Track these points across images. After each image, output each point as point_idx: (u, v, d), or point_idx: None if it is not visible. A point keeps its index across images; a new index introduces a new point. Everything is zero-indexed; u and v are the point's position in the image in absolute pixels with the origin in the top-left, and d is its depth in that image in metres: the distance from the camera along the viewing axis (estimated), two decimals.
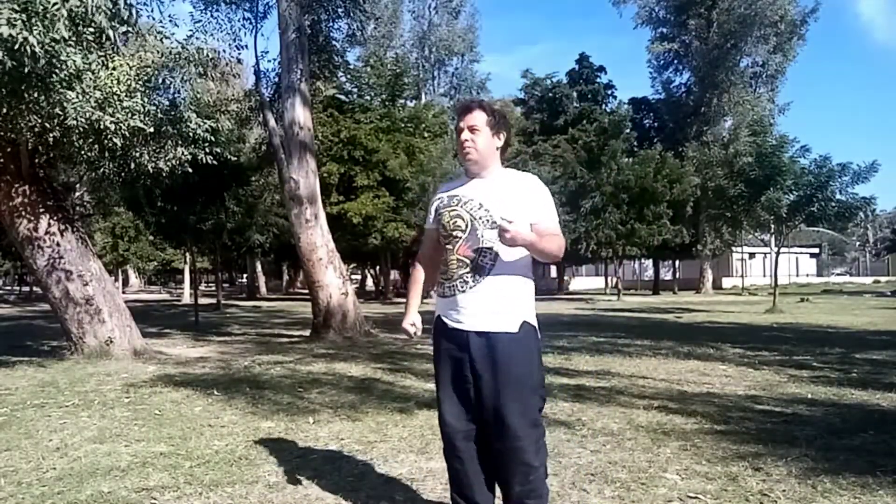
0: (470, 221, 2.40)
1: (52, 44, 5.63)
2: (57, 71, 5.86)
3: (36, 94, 6.15)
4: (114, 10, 6.37)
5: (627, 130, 30.04)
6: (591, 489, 3.12)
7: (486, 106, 2.49)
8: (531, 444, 2.34)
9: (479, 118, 2.43)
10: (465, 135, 2.44)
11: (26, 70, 5.63)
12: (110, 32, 6.33)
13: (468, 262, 2.38)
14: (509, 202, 2.37)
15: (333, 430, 4.32)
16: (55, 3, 5.65)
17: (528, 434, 2.33)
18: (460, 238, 2.41)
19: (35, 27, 5.51)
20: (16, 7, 5.47)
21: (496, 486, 2.50)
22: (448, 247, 2.45)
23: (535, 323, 2.42)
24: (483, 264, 2.36)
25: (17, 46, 5.37)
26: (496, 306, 2.35)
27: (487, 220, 2.36)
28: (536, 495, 2.40)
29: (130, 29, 6.95)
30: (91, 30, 6.19)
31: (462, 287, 2.38)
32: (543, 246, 2.31)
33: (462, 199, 2.45)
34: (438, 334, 2.49)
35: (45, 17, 5.59)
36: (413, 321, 2.58)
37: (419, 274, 2.67)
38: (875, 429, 4.17)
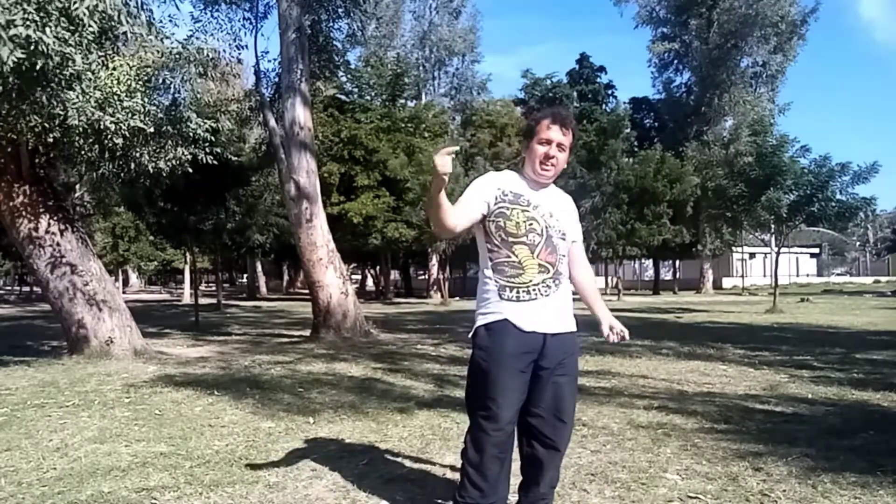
0: (545, 228, 2.44)
1: (63, 43, 5.64)
2: (62, 71, 5.86)
3: (38, 94, 6.15)
4: (127, 10, 6.39)
5: (627, 130, 30.02)
6: (592, 489, 3.12)
7: (575, 127, 2.51)
8: (571, 432, 2.57)
9: (568, 139, 2.47)
10: (553, 151, 2.43)
11: (39, 69, 5.63)
12: (127, 30, 6.34)
13: (550, 267, 2.43)
14: (567, 218, 2.55)
15: (334, 430, 4.32)
16: (75, 2, 5.66)
17: (572, 423, 2.56)
18: (538, 242, 2.41)
19: (48, 27, 5.52)
20: (30, 8, 5.48)
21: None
22: (520, 249, 2.40)
23: None
24: (561, 271, 2.48)
25: (32, 46, 5.38)
26: (568, 309, 2.51)
27: (558, 230, 2.48)
28: (552, 492, 2.64)
29: (137, 30, 6.95)
30: (92, 29, 6.18)
31: (545, 292, 2.42)
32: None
33: (531, 203, 2.45)
34: (505, 338, 2.38)
35: (59, 14, 5.60)
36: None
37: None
38: (875, 429, 4.17)
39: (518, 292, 2.40)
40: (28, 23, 5.39)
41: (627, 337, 2.48)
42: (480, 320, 2.45)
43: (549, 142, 2.42)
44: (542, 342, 2.41)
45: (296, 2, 10.99)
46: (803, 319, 14.59)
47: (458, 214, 2.38)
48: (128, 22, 6.35)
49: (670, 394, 5.48)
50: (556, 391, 2.44)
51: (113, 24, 6.23)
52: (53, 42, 5.49)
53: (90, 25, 5.90)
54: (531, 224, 2.41)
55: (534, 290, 2.40)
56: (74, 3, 5.70)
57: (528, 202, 2.43)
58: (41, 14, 5.54)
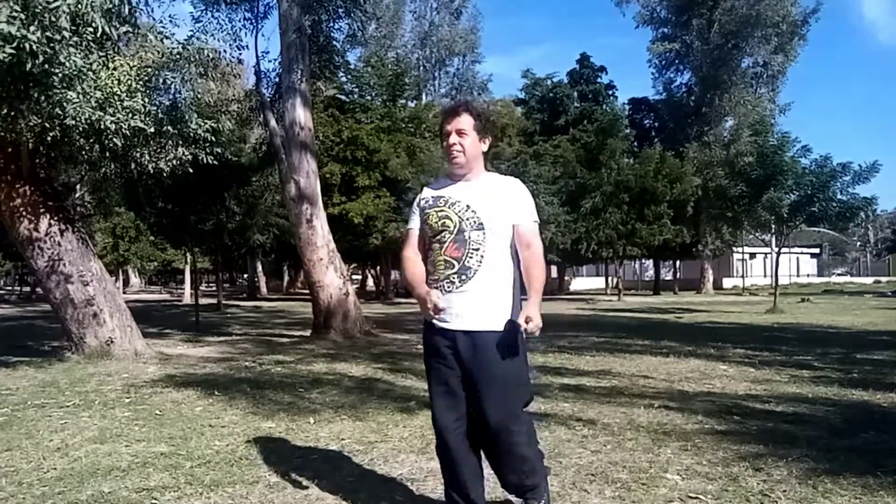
0: (458, 223, 2.44)
1: (50, 43, 5.64)
2: (56, 70, 5.86)
3: (36, 94, 6.15)
4: (113, 9, 6.37)
5: (626, 130, 30.02)
6: (592, 489, 3.12)
7: (473, 109, 2.52)
8: (519, 435, 2.44)
9: (466, 122, 2.48)
10: (454, 138, 2.47)
11: (27, 68, 5.63)
12: (108, 30, 6.31)
13: (455, 262, 2.42)
14: (494, 204, 2.45)
15: (334, 431, 4.32)
16: (56, 1, 5.65)
17: (512, 426, 2.42)
18: (447, 239, 2.44)
19: (32, 25, 5.52)
20: (15, 6, 5.48)
21: (483, 483, 2.60)
22: (435, 247, 2.48)
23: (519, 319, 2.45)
24: (469, 265, 2.41)
25: (15, 43, 5.38)
26: (482, 306, 2.42)
27: (475, 222, 2.43)
28: (531, 486, 2.49)
29: (130, 29, 6.94)
30: (91, 29, 6.18)
31: (448, 287, 2.44)
32: (541, 287, 2.44)
33: (449, 201, 2.49)
34: (428, 334, 2.53)
35: (46, 14, 5.60)
36: (435, 299, 2.45)
37: (418, 261, 2.57)
38: (876, 429, 4.17)
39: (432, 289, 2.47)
40: (13, 20, 5.39)
41: (536, 334, 2.37)
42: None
43: (447, 133, 2.49)
44: (453, 339, 2.42)
45: (296, 2, 10.99)
46: (804, 319, 14.59)
47: (416, 250, 2.58)
48: (110, 26, 6.32)
49: (671, 394, 5.47)
50: (476, 395, 2.42)
51: (95, 25, 6.17)
52: (37, 40, 5.48)
53: (80, 25, 5.88)
54: (444, 222, 2.46)
55: (440, 286, 2.44)
56: (55, 1, 5.68)
57: (447, 201, 2.48)
58: (26, 12, 5.54)
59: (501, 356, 2.40)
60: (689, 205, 28.29)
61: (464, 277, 2.41)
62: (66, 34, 5.77)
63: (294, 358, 8.19)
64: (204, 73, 8.24)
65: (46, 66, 5.73)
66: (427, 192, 2.61)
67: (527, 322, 2.33)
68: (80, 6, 5.89)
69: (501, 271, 2.45)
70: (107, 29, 6.29)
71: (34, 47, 5.48)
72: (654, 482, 3.20)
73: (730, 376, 6.40)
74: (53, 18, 5.65)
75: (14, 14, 5.43)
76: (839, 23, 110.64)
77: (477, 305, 2.41)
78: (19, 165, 7.68)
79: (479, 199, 2.46)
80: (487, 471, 2.63)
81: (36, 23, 5.57)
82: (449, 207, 2.47)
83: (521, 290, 2.51)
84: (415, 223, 2.59)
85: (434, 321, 2.47)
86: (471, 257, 2.41)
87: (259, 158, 18.40)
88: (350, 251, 25.11)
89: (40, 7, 5.59)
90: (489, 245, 2.42)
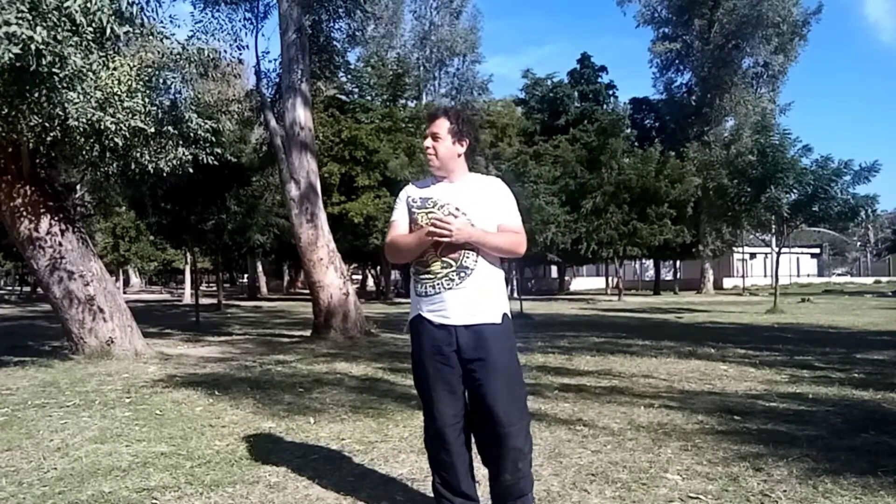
0: None
1: (56, 43, 5.64)
2: (58, 70, 5.86)
3: (37, 94, 6.15)
4: (121, 10, 6.38)
5: (627, 130, 30.00)
6: (592, 489, 3.12)
7: (451, 113, 2.62)
8: (521, 430, 2.49)
9: (441, 126, 2.58)
10: (428, 142, 2.61)
11: (32, 68, 5.63)
12: (116, 29, 6.32)
13: (452, 262, 2.48)
14: (480, 206, 2.53)
15: (334, 430, 4.32)
16: (65, 0, 5.66)
17: (517, 420, 2.47)
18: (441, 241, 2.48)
19: (39, 25, 5.52)
20: (23, 7, 5.48)
21: (474, 476, 2.65)
22: (428, 248, 2.51)
23: (510, 314, 2.58)
24: (466, 265, 2.48)
25: (21, 44, 5.38)
26: (481, 301, 2.49)
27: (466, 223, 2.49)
28: (525, 482, 2.53)
29: (132, 29, 6.94)
30: (91, 29, 6.18)
31: (448, 285, 2.49)
32: (494, 241, 2.49)
33: (437, 203, 2.56)
34: (421, 332, 2.55)
35: (53, 14, 5.60)
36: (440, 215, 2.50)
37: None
38: (876, 429, 4.17)
39: (426, 287, 2.53)
40: (21, 21, 5.39)
41: (447, 228, 2.38)
42: (409, 317, 2.64)
43: (424, 137, 2.64)
44: (454, 335, 2.47)
45: (296, 2, 10.99)
46: (804, 319, 14.59)
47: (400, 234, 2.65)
48: (118, 24, 6.33)
49: (671, 394, 5.47)
50: (482, 388, 2.45)
51: (103, 25, 6.18)
52: (43, 40, 5.48)
53: (82, 24, 5.88)
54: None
55: (438, 284, 2.49)
56: (66, 0, 5.69)
57: (435, 203, 2.55)
58: (34, 13, 5.55)
59: (503, 348, 2.49)
60: (689, 205, 28.27)
61: (462, 275, 2.48)
62: (70, 34, 5.76)
63: (294, 358, 8.19)
64: (204, 73, 8.23)
65: (52, 66, 5.73)
66: (414, 191, 2.66)
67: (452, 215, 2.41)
68: (88, 5, 5.89)
69: (494, 268, 2.55)
70: (115, 29, 6.30)
71: (40, 48, 5.48)
72: (655, 482, 3.20)
73: (730, 376, 6.40)
74: (62, 18, 5.66)
75: (21, 15, 5.42)
76: (841, 23, 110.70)
77: (476, 301, 2.48)
78: (20, 165, 7.68)
79: (466, 201, 2.53)
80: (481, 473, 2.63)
81: (43, 23, 5.57)
82: (438, 210, 2.52)
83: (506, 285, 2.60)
84: (399, 216, 2.64)
85: (429, 317, 2.51)
86: (467, 257, 2.48)
87: (259, 158, 18.45)
88: (350, 251, 25.12)
89: (49, 7, 5.59)
90: (478, 246, 2.51)
